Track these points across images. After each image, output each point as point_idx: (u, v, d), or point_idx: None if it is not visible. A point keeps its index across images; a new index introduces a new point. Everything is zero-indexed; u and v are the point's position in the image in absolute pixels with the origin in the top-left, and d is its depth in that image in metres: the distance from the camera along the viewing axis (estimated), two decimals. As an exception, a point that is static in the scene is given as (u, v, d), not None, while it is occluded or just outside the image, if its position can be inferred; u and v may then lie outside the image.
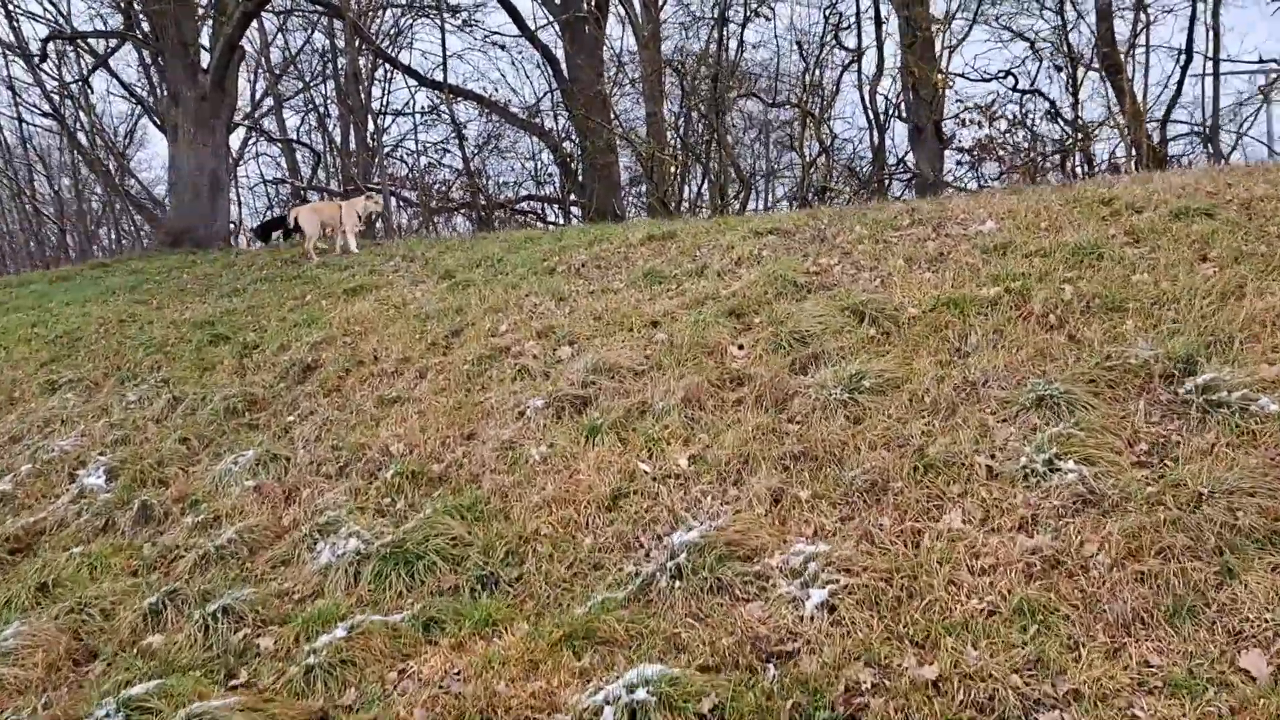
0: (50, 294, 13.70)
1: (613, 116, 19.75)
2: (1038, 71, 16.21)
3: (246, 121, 30.35)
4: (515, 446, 5.87)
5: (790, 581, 3.99)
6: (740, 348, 6.36)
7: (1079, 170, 15.20)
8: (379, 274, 10.74)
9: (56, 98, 26.64)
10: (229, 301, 10.92)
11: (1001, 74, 15.41)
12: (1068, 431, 4.45)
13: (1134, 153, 12.57)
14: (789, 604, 3.87)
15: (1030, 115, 15.12)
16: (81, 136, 25.70)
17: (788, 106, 16.15)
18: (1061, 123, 14.69)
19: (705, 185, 19.32)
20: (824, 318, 6.26)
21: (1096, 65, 13.51)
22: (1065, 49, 15.00)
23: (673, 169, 16.67)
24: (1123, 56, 13.15)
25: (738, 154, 17.37)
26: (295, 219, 13.43)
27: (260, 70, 30.40)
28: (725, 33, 15.67)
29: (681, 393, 5.78)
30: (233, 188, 31.06)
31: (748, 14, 15.84)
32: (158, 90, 22.77)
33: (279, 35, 29.40)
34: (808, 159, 15.64)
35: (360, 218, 13.33)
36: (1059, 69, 14.88)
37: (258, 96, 30.74)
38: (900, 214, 8.32)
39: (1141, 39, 13.71)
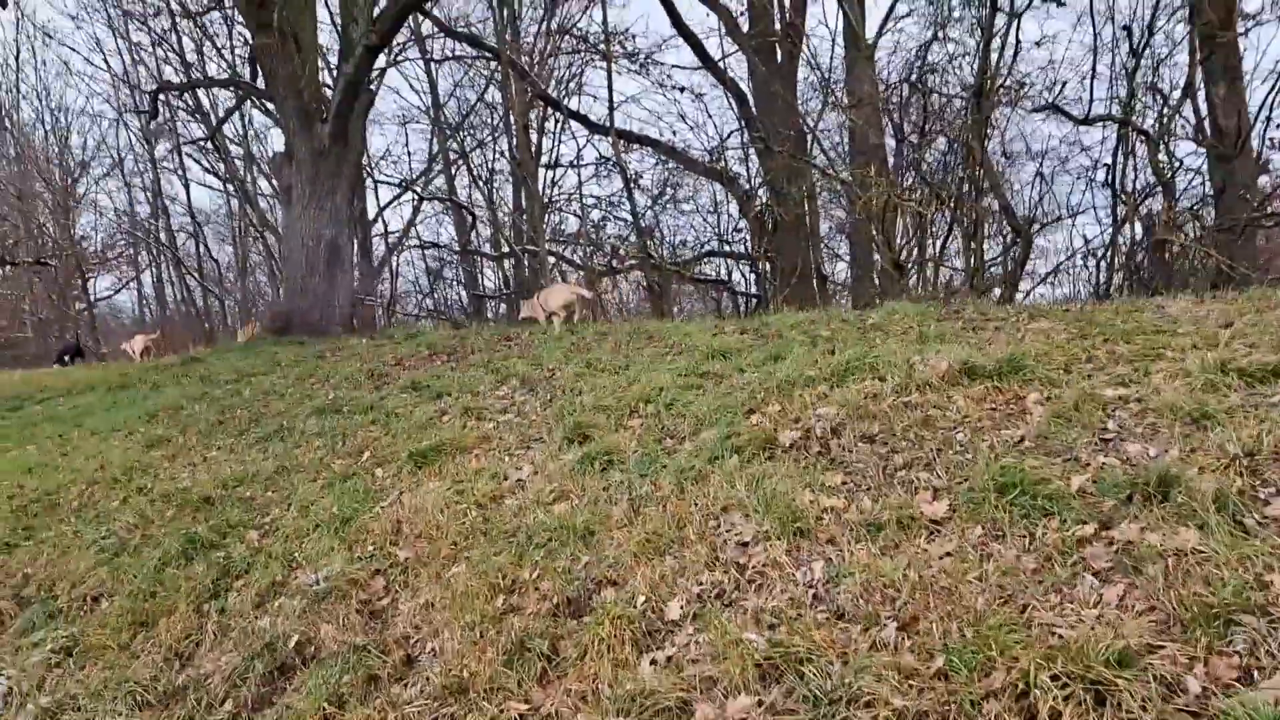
0: (92, 411, 10.53)
1: (822, 154, 15.22)
2: None
3: (419, 182, 28.04)
4: None
5: None
6: None
7: None
8: (480, 414, 6.59)
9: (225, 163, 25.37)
10: (261, 453, 7.09)
11: None
12: None
13: None
14: None
15: None
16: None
17: (1106, 123, 11.08)
18: None
19: (948, 239, 14.42)
20: None
21: None
22: None
23: (920, 215, 11.90)
24: None
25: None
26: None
27: (434, 130, 28.10)
28: (993, 27, 10.85)
29: None
30: (395, 257, 28.85)
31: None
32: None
33: (456, 91, 26.91)
34: (1132, 197, 10.46)
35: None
36: None
37: (432, 154, 28.37)
38: None
39: None
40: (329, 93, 15.04)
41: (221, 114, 22.14)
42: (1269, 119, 11.05)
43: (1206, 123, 11.59)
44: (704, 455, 4.65)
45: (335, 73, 15.60)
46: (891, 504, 3.75)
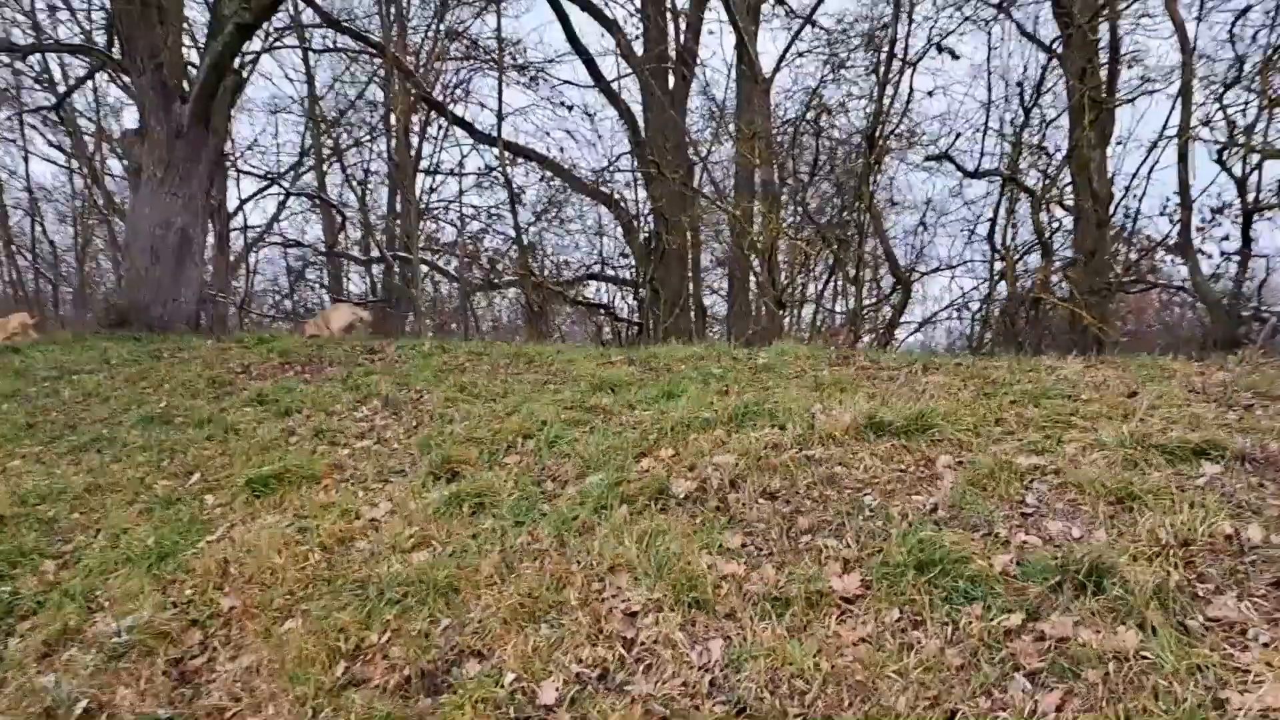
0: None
1: (711, 185, 15.08)
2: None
3: (287, 176, 26.45)
4: None
5: None
6: None
7: None
8: (334, 438, 5.90)
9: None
10: (72, 465, 6.16)
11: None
12: None
13: None
14: None
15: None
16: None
17: (991, 178, 11.31)
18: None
19: (829, 283, 14.47)
20: None
21: None
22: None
23: (806, 255, 11.84)
24: None
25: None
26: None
27: (308, 123, 26.61)
28: (889, 72, 10.92)
29: None
30: (254, 254, 27.09)
31: (911, 53, 11.03)
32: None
33: (335, 85, 25.51)
34: (1009, 253, 10.66)
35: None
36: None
37: (304, 148, 26.80)
38: None
39: None
40: (194, 72, 13.88)
41: (72, 83, 20.29)
42: (1130, 189, 11.53)
43: (1078, 186, 11.98)
44: (590, 503, 4.17)
45: (202, 49, 14.42)
46: (799, 575, 3.36)
